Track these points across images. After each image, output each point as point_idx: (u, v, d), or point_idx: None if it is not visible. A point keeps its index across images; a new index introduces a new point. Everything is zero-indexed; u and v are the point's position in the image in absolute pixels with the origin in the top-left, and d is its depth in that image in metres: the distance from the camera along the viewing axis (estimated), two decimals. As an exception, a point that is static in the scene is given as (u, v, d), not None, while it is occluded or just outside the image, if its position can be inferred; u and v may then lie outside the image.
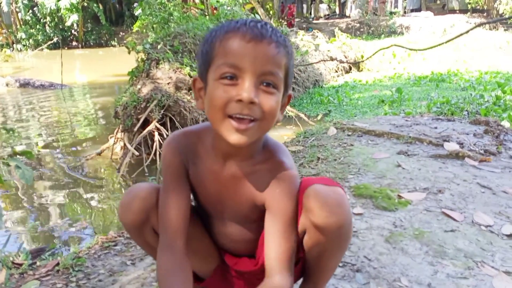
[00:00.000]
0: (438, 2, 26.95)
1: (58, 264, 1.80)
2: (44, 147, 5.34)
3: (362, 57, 10.73)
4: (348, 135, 3.29)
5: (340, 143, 3.09)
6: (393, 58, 11.45)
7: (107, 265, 1.74)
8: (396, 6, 27.39)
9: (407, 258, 1.61)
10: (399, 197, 2.15)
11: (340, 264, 1.55)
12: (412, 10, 25.85)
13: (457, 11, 23.35)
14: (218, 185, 1.10)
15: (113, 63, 15.08)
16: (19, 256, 1.99)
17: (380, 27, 19.22)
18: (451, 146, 2.90)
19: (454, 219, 1.92)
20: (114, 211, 3.62)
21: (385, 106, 6.25)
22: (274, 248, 1.05)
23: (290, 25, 17.91)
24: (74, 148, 5.40)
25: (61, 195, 3.96)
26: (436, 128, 3.49)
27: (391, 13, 22.09)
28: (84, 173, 4.50)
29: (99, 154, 4.89)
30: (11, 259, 1.92)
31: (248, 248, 1.19)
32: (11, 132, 2.14)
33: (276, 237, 1.05)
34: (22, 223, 3.38)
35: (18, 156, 2.20)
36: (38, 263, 1.92)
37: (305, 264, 1.16)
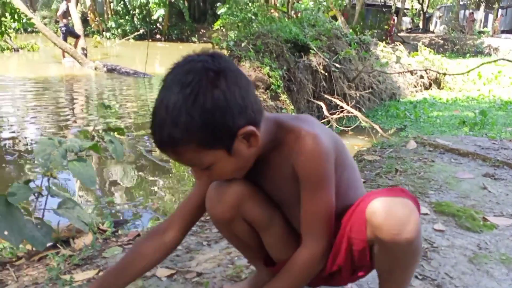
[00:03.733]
0: (534, 25, 25.10)
1: (139, 235, 1.90)
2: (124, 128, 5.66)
3: (445, 74, 10.25)
4: (429, 151, 3.16)
5: (420, 158, 2.98)
6: (478, 79, 10.83)
7: (184, 242, 1.81)
8: (485, 26, 25.91)
9: (493, 282, 1.52)
10: (484, 219, 2.03)
11: (420, 277, 1.50)
12: (502, 31, 24.34)
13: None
14: (261, 180, 1.15)
15: (191, 58, 15.62)
16: (103, 223, 2.13)
17: (466, 45, 18.29)
18: (544, 175, 2.69)
19: (546, 251, 1.78)
20: (184, 196, 3.76)
21: (465, 127, 5.93)
22: (303, 215, 1.06)
23: (391, 37, 17.49)
24: (149, 134, 5.67)
25: (136, 175, 4.18)
26: (526, 154, 3.25)
27: (479, 32, 20.93)
28: (159, 158, 4.71)
29: (174, 141, 5.08)
30: (96, 224, 2.06)
31: None
32: (108, 108, 2.29)
33: (304, 203, 1.05)
34: (95, 197, 3.60)
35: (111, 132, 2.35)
36: (120, 232, 2.05)
37: (379, 276, 1.10)
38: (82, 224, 1.82)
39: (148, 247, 1.19)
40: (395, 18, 22.30)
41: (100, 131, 2.28)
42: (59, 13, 12.60)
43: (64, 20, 12.08)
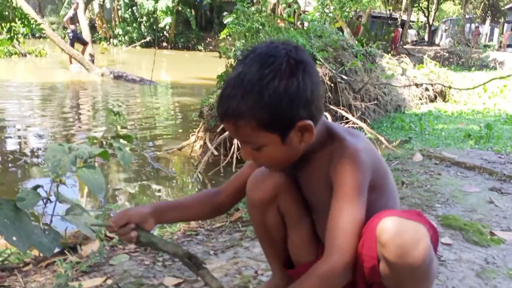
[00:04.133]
0: (540, 39, 25.12)
1: (145, 243, 1.90)
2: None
3: (450, 87, 10.25)
4: (436, 164, 3.16)
5: (427, 171, 2.97)
6: (483, 92, 10.82)
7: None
8: (491, 40, 25.96)
9: (501, 298, 1.51)
10: (492, 234, 2.03)
11: (427, 292, 1.49)
12: (508, 46, 24.36)
13: (561, 51, 21.61)
14: (300, 179, 1.19)
15: (197, 66, 15.74)
16: (110, 230, 2.12)
17: (472, 59, 18.30)
18: (551, 191, 2.68)
19: (554, 267, 1.77)
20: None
21: (471, 141, 5.91)
22: (328, 224, 1.04)
23: (396, 49, 17.54)
24: (155, 141, 5.69)
25: (141, 181, 4.19)
26: (533, 169, 3.24)
27: (485, 46, 20.96)
28: (164, 165, 4.72)
29: (179, 149, 5.10)
30: (103, 231, 2.06)
31: None
32: (117, 115, 2.31)
33: (331, 212, 1.04)
34: (99, 203, 3.61)
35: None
36: (126, 239, 2.04)
37: None
38: (89, 231, 1.82)
39: (201, 200, 1.29)
40: (400, 30, 22.36)
41: (109, 138, 2.29)
42: (65, 18, 12.73)
43: (72, 26, 12.18)
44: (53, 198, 1.91)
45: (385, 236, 0.95)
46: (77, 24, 12.54)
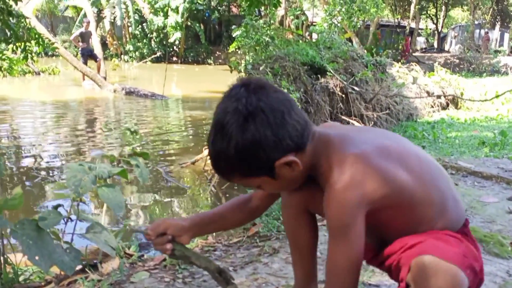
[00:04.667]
0: (551, 43, 24.88)
1: (165, 259, 1.92)
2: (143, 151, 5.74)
3: (462, 94, 10.18)
4: (452, 174, 3.14)
5: (443, 181, 2.95)
6: (496, 98, 10.73)
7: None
8: (501, 45, 25.77)
9: (526, 311, 1.49)
10: (512, 245, 2.00)
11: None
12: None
13: None
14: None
15: (207, 80, 15.86)
16: (129, 247, 2.15)
17: (482, 65, 18.17)
18: None
19: None
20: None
21: (485, 148, 5.85)
22: (327, 260, 1.08)
23: (406, 57, 17.60)
24: (169, 156, 5.73)
25: (156, 196, 4.21)
26: (551, 177, 3.20)
27: (495, 51, 20.81)
28: (178, 179, 4.75)
29: (193, 163, 5.13)
30: (122, 249, 2.09)
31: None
32: (134, 133, 2.35)
33: (328, 247, 1.07)
34: (115, 219, 3.63)
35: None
36: (145, 256, 2.07)
37: None
38: (109, 249, 1.85)
39: (236, 208, 1.34)
40: (410, 38, 22.34)
41: (126, 156, 2.33)
42: (72, 37, 12.99)
43: (81, 44, 12.39)
44: (73, 216, 1.95)
45: (415, 273, 0.96)
46: (90, 41, 12.73)
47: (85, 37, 12.51)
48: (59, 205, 1.87)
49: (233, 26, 16.56)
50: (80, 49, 12.55)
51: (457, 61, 19.45)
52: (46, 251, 1.69)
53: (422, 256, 0.96)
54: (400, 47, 21.52)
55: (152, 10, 21.72)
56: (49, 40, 7.51)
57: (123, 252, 2.00)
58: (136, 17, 23.42)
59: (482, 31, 26.70)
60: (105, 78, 12.19)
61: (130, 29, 24.32)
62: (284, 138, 1.02)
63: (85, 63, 12.07)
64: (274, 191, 1.23)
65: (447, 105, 10.05)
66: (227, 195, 4.25)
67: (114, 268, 1.84)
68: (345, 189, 1.00)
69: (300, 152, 1.05)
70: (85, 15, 13.23)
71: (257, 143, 1.00)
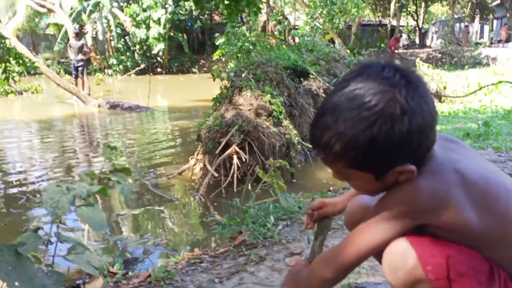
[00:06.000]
0: (530, 32, 25.29)
1: (149, 275, 1.89)
2: (129, 164, 5.69)
3: (445, 88, 10.30)
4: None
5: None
6: (479, 89, 10.87)
7: (196, 281, 1.80)
8: (482, 37, 26.15)
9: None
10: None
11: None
12: (499, 41, 24.51)
13: (551, 43, 21.74)
14: None
15: (192, 89, 15.84)
16: (113, 265, 2.12)
17: (464, 57, 18.40)
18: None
19: None
20: (193, 228, 3.75)
21: (470, 140, 5.91)
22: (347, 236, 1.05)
23: (393, 53, 17.83)
24: (156, 167, 5.69)
25: (141, 210, 4.17)
26: (534, 165, 3.23)
27: (476, 43, 21.10)
28: (164, 191, 4.71)
29: (180, 173, 5.10)
30: (106, 267, 2.05)
31: None
32: (114, 150, 2.32)
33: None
34: (103, 235, 3.58)
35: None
36: (130, 273, 2.04)
37: None
38: (92, 269, 1.81)
39: None
40: (401, 36, 22.55)
41: (107, 173, 2.30)
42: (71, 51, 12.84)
43: (79, 56, 12.36)
44: (54, 238, 1.91)
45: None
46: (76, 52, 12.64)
47: (76, 48, 12.44)
48: (38, 228, 1.84)
49: (216, 34, 16.61)
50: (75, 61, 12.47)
51: (439, 55, 19.67)
52: (26, 276, 1.65)
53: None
54: (382, 45, 21.72)
55: (134, 23, 21.71)
56: (30, 60, 7.46)
57: (107, 271, 1.97)
58: (118, 30, 23.37)
59: (462, 25, 27.08)
60: (89, 94, 12.11)
61: (112, 43, 24.25)
62: (421, 146, 0.91)
63: (82, 75, 12.27)
64: (359, 189, 1.10)
65: (431, 99, 10.15)
66: (215, 204, 4.23)
67: (97, 288, 1.81)
68: (418, 191, 0.92)
69: (418, 166, 0.93)
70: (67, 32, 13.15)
71: (399, 143, 0.87)
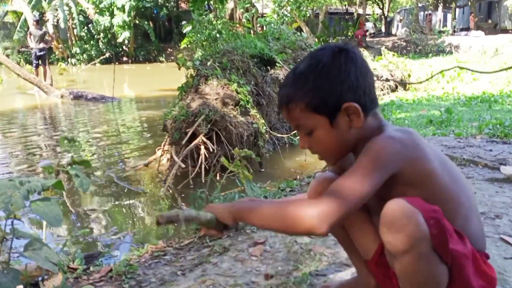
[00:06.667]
0: (490, 21, 26.12)
1: (111, 270, 1.85)
2: (93, 156, 5.56)
3: (409, 76, 10.51)
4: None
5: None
6: (441, 77, 11.15)
7: (158, 274, 1.78)
8: (445, 25, 26.79)
9: (465, 285, 1.54)
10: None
11: None
12: (462, 29, 25.22)
13: (510, 31, 22.51)
14: None
15: (159, 78, 15.57)
16: (74, 261, 2.06)
17: (428, 46, 18.84)
18: (509, 170, 2.77)
19: (514, 246, 1.83)
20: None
21: (432, 126, 6.08)
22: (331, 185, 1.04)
23: (361, 42, 17.88)
24: (122, 159, 5.59)
25: (108, 203, 4.09)
26: (491, 150, 3.35)
27: (439, 32, 21.61)
28: (132, 183, 4.63)
29: (146, 165, 5.02)
30: (66, 263, 2.00)
31: None
32: (72, 142, 2.24)
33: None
34: (68, 230, 3.50)
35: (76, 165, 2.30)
36: (91, 269, 1.99)
37: None
38: (50, 265, 1.76)
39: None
40: (366, 24, 22.75)
41: (65, 166, 2.23)
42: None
43: (41, 44, 11.92)
44: (9, 235, 1.84)
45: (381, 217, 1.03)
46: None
47: (38, 36, 11.98)
48: (-8, 225, 1.77)
49: (183, 22, 16.32)
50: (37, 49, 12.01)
51: (404, 43, 20.07)
52: (-20, 275, 1.60)
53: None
54: (349, 34, 21.93)
55: (97, 10, 21.08)
56: (-15, 49, 7.12)
57: (66, 267, 1.92)
58: (81, 18, 22.66)
59: (426, 13, 27.66)
60: (51, 84, 11.72)
61: (75, 31, 23.51)
62: (360, 87, 1.07)
63: (44, 63, 11.87)
64: (323, 149, 1.14)
65: (396, 87, 10.35)
66: (183, 195, 4.19)
67: (56, 285, 1.76)
68: (393, 138, 1.05)
69: (364, 113, 1.08)
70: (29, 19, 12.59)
71: (338, 75, 1.06)
